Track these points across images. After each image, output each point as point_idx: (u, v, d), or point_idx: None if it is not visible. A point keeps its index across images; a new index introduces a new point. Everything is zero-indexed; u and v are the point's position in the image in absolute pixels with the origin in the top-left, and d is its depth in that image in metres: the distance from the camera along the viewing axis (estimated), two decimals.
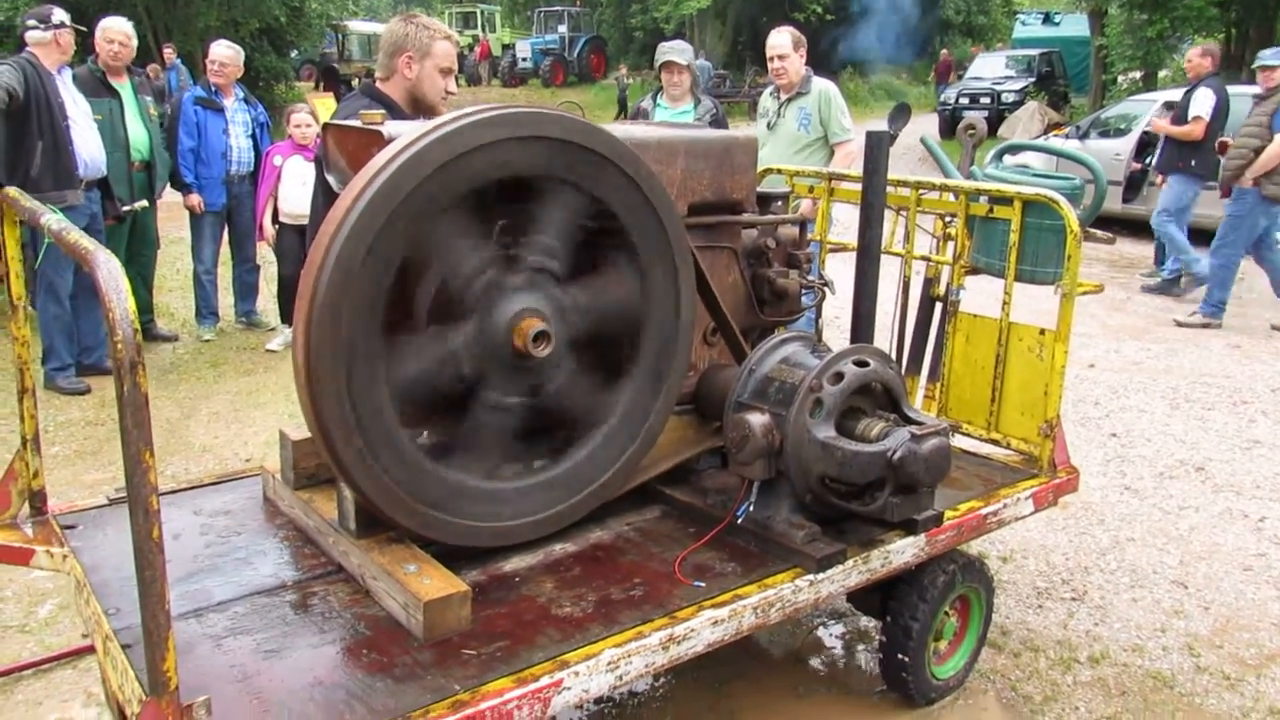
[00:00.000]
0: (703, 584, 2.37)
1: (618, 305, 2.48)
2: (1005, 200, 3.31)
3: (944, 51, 28.32)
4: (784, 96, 5.44)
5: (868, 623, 3.46)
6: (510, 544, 2.45)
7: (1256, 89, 7.75)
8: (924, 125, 15.77)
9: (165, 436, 5.10)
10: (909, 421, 2.53)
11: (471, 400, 2.32)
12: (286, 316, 6.77)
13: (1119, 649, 3.42)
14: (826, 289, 3.28)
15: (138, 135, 6.10)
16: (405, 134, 2.14)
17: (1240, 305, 8.26)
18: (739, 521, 2.60)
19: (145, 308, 6.66)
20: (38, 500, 2.59)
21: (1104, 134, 11.69)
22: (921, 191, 3.58)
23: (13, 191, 2.21)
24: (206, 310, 6.96)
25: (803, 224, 3.26)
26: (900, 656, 2.94)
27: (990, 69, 22.08)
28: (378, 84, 3.26)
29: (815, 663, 3.35)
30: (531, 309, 2.28)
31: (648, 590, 2.34)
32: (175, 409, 5.44)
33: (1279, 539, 4.23)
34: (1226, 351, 7.03)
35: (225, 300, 7.22)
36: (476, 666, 2.00)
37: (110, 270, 1.50)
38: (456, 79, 3.35)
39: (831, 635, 3.50)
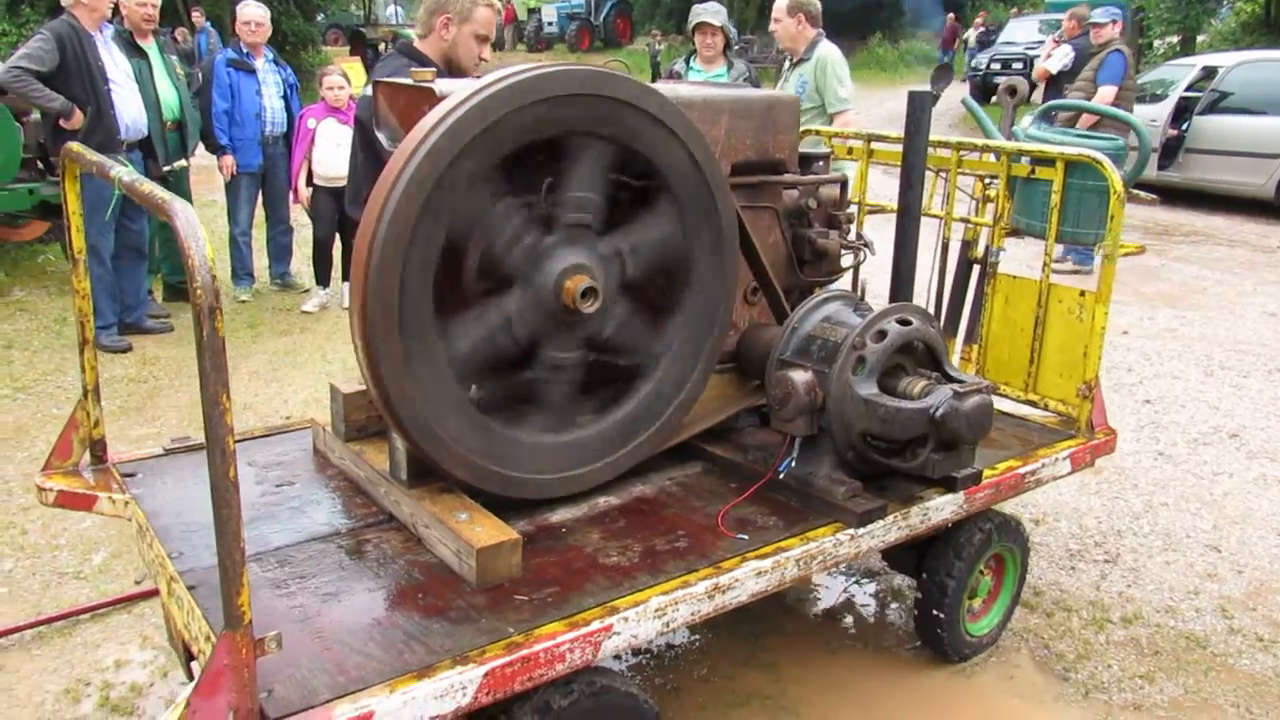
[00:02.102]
0: (746, 536, 2.41)
1: (662, 248, 2.52)
2: (1047, 161, 3.30)
3: (950, 16, 27.71)
4: (791, 61, 5.38)
5: (901, 581, 3.51)
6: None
7: None
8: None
9: None
10: (950, 380, 2.55)
11: (531, 360, 2.38)
12: (321, 278, 6.84)
13: (1152, 610, 3.44)
14: (866, 250, 3.29)
15: (167, 95, 6.11)
16: (460, 89, 2.17)
17: (1278, 274, 8.16)
18: (780, 477, 2.64)
19: (180, 269, 6.71)
20: (98, 449, 2.67)
21: (1140, 99, 11.48)
22: (962, 153, 3.56)
23: (76, 146, 2.26)
24: (243, 272, 7.03)
25: (843, 184, 3.26)
26: (935, 613, 2.99)
27: (1023, 33, 21.63)
28: (416, 42, 3.27)
29: (849, 620, 3.39)
30: (578, 265, 2.32)
31: (692, 542, 2.39)
32: None
33: None
34: (1262, 319, 6.96)
35: (259, 262, 7.28)
36: (529, 611, 2.06)
37: (188, 218, 1.54)
38: None
39: (865, 594, 3.55)
